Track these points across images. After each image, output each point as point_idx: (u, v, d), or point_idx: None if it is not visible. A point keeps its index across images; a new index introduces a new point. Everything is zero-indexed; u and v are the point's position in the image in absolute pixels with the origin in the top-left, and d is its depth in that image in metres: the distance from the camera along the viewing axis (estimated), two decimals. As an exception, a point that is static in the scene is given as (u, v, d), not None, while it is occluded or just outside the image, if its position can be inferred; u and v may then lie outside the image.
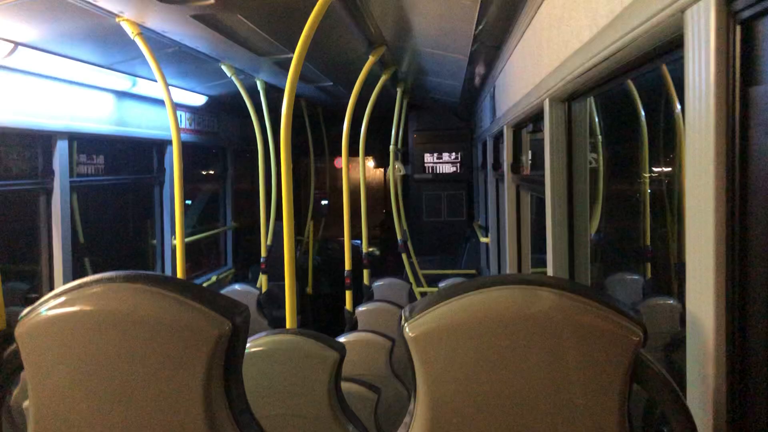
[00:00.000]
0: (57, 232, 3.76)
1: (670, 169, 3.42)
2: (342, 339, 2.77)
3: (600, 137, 3.15)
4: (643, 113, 3.19)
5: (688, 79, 1.01)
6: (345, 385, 1.85)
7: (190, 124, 5.73)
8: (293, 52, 2.56)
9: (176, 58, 3.82)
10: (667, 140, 3.27)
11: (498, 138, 4.45)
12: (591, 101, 2.33)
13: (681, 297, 2.73)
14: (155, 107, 4.82)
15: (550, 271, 2.28)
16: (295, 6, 2.87)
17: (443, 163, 7.94)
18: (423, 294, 4.99)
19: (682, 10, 1.02)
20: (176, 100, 4.72)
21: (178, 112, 4.82)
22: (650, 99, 3.15)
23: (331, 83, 5.46)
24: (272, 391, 1.59)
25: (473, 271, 6.58)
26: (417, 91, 6.42)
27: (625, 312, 0.94)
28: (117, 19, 2.97)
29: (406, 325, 0.97)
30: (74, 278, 1.08)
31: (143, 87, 4.41)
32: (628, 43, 1.27)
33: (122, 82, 4.19)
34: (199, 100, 5.50)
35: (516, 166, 3.63)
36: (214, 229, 6.69)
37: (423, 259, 6.47)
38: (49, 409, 1.03)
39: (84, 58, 3.65)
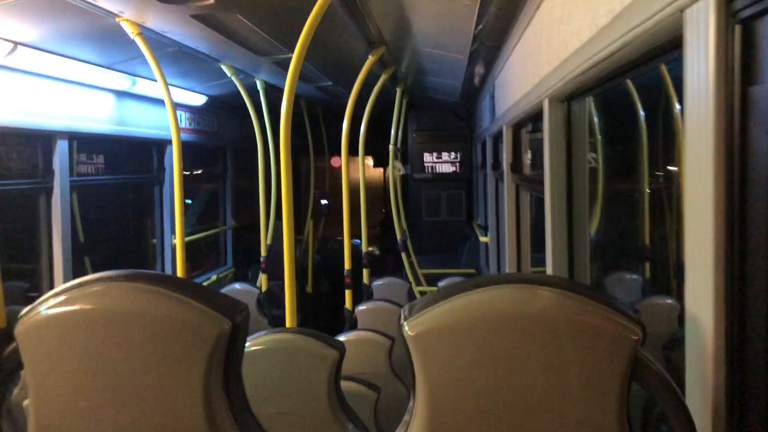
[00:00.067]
0: (57, 231, 3.76)
1: (669, 168, 3.42)
2: (342, 338, 2.77)
3: (599, 137, 3.16)
4: (642, 113, 3.20)
5: (687, 79, 1.01)
6: (345, 384, 1.85)
7: (190, 124, 5.73)
8: (293, 52, 2.56)
9: (176, 57, 3.82)
10: (666, 140, 3.27)
11: (497, 137, 4.45)
12: (590, 101, 2.34)
13: (680, 296, 2.74)
14: (155, 107, 4.82)
15: (549, 270, 2.28)
16: (294, 6, 2.87)
17: (443, 163, 7.94)
18: (422, 293, 4.99)
19: (682, 10, 1.02)
20: (176, 99, 4.71)
21: (178, 112, 4.82)
22: (649, 99, 3.15)
23: (331, 83, 5.46)
24: (272, 389, 1.60)
25: (472, 271, 6.59)
26: (416, 91, 6.42)
27: (625, 311, 0.94)
28: (117, 19, 2.97)
29: (405, 323, 0.97)
30: (74, 277, 1.08)
31: (143, 87, 4.41)
32: (627, 42, 1.27)
33: (122, 81, 4.19)
34: (198, 99, 5.50)
35: (515, 165, 3.64)
36: (214, 228, 6.69)
37: (422, 259, 6.47)
38: (49, 408, 1.03)
39: (84, 57, 3.65)
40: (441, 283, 4.49)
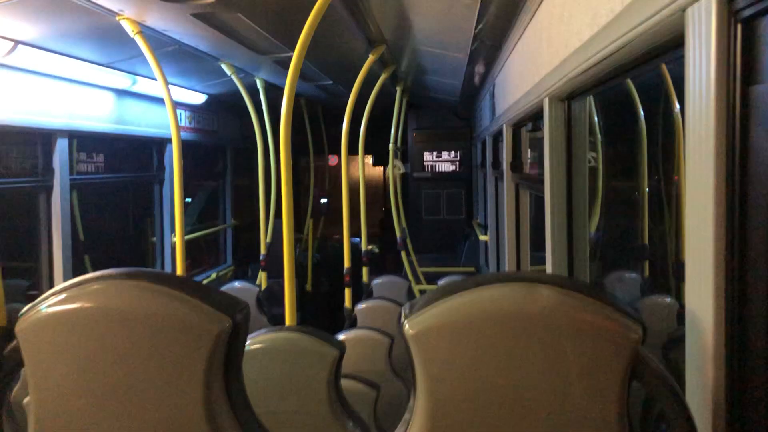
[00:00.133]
0: (57, 229, 3.76)
1: (669, 168, 3.42)
2: (341, 336, 2.77)
3: (599, 136, 3.16)
4: (642, 112, 3.20)
5: (688, 78, 1.01)
6: (344, 382, 1.85)
7: (190, 123, 5.73)
8: (293, 51, 2.56)
9: (176, 56, 3.82)
10: (666, 139, 3.27)
11: (497, 137, 4.45)
12: (590, 100, 2.34)
13: (679, 295, 2.74)
14: (155, 106, 4.82)
15: (549, 268, 2.29)
16: (295, 4, 2.87)
17: (442, 162, 7.94)
18: (422, 292, 5.00)
19: (683, 9, 1.02)
20: (176, 98, 4.71)
21: (178, 111, 4.82)
22: (650, 98, 3.15)
23: (331, 82, 5.46)
24: (272, 387, 1.60)
25: (472, 269, 6.59)
26: (416, 90, 6.42)
27: (625, 309, 0.94)
28: (117, 18, 2.96)
29: (405, 322, 0.97)
30: (74, 275, 1.08)
31: (143, 85, 4.40)
32: (628, 41, 1.27)
33: (122, 80, 4.19)
34: (198, 98, 5.50)
35: (515, 164, 3.64)
36: (214, 226, 6.69)
37: (422, 257, 6.47)
38: (50, 406, 1.03)
39: (84, 56, 3.65)
40: (441, 282, 4.50)
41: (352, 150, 4.73)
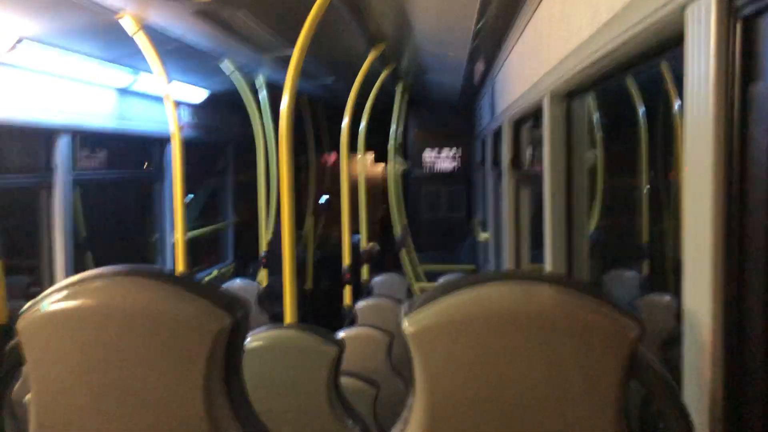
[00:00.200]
0: (58, 227, 3.77)
1: (668, 165, 3.42)
2: (341, 334, 2.77)
3: (599, 134, 3.15)
4: (642, 110, 3.20)
5: (688, 76, 1.01)
6: (344, 380, 1.85)
7: (191, 120, 5.73)
8: (294, 49, 2.56)
9: (177, 54, 3.82)
10: (666, 137, 3.27)
11: (498, 134, 4.45)
12: (591, 98, 2.34)
13: (678, 294, 2.74)
14: (156, 103, 4.81)
15: (548, 267, 2.29)
16: (296, 2, 2.87)
17: (443, 160, 7.94)
18: (422, 289, 5.00)
19: (683, 7, 1.02)
20: (177, 96, 4.71)
21: (179, 108, 4.82)
22: (650, 96, 3.15)
23: (332, 80, 5.45)
24: (272, 385, 1.60)
25: (472, 267, 6.59)
26: (417, 88, 6.42)
27: (623, 308, 0.94)
28: (118, 15, 2.96)
29: (405, 320, 0.98)
30: (76, 273, 1.08)
31: (144, 83, 4.40)
32: (628, 39, 1.27)
33: (124, 78, 4.19)
34: (200, 96, 5.49)
35: (515, 162, 3.63)
36: (215, 224, 6.70)
37: (422, 255, 6.47)
38: (50, 403, 1.03)
39: (86, 53, 3.65)
40: (440, 280, 4.50)
41: (353, 148, 4.73)
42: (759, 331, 0.90)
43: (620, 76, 1.70)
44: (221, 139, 6.59)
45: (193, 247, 6.09)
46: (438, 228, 7.91)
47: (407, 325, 0.97)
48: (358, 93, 4.16)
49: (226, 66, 4.36)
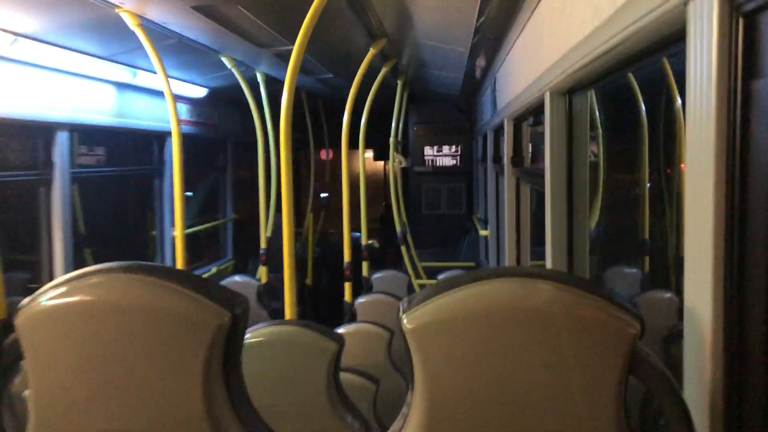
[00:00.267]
0: (57, 222, 3.76)
1: (670, 162, 3.42)
2: (341, 330, 2.77)
3: (601, 130, 3.15)
4: (643, 107, 3.19)
5: (689, 72, 1.01)
6: (344, 376, 1.85)
7: (191, 116, 5.72)
8: (293, 44, 2.55)
9: (176, 49, 3.81)
10: (667, 133, 3.27)
11: (498, 131, 4.44)
12: (592, 94, 2.33)
13: (679, 291, 2.74)
14: (155, 99, 4.81)
15: (548, 263, 2.28)
16: (295, -3, 2.87)
17: (443, 156, 7.93)
18: (422, 286, 5.00)
19: (685, 3, 1.01)
20: (176, 91, 4.70)
21: (179, 104, 4.81)
22: (651, 92, 3.15)
23: (332, 75, 5.44)
24: (271, 381, 1.60)
25: (472, 264, 6.59)
26: (417, 84, 6.41)
27: (623, 305, 0.94)
28: (117, 10, 2.95)
29: (404, 316, 0.97)
30: (75, 269, 1.08)
31: (143, 78, 4.40)
32: (629, 35, 1.27)
33: (123, 73, 4.18)
34: (199, 92, 5.48)
35: (516, 159, 3.63)
36: (214, 220, 6.69)
37: (422, 252, 6.47)
38: (49, 398, 1.03)
39: (84, 49, 3.64)
40: (440, 277, 4.50)
41: (353, 144, 4.73)
42: (760, 327, 0.90)
43: (622, 73, 1.69)
44: (221, 135, 6.58)
45: (192, 243, 6.10)
46: (438, 224, 7.91)
47: (406, 322, 0.97)
48: (358, 89, 4.15)
49: (226, 61, 4.35)
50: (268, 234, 5.38)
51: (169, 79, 3.50)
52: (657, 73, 2.82)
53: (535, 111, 2.89)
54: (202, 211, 6.82)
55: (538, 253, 3.44)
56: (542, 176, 2.33)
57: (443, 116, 7.94)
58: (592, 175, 2.28)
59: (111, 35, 3.37)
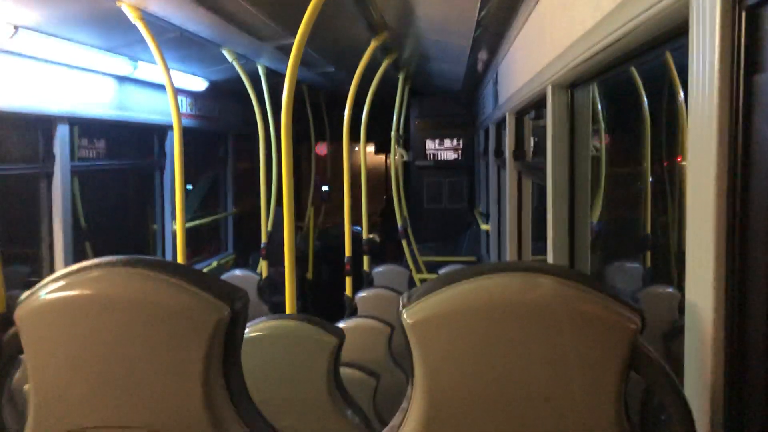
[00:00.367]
0: (58, 216, 3.77)
1: (672, 157, 3.41)
2: (341, 325, 2.78)
3: (602, 125, 3.14)
4: (646, 101, 3.18)
5: (692, 66, 1.00)
6: (344, 371, 1.86)
7: (191, 110, 5.71)
8: (294, 37, 2.54)
9: (177, 42, 3.80)
10: (669, 128, 3.26)
11: (500, 125, 4.43)
12: (594, 88, 2.32)
13: (681, 286, 2.74)
14: (156, 92, 4.80)
15: (550, 258, 2.28)
16: (296, -10, 2.85)
17: (445, 150, 7.91)
18: (423, 281, 5.00)
19: (688, -3, 1.01)
20: (177, 84, 4.69)
21: (179, 97, 4.80)
22: (654, 86, 3.13)
23: (333, 69, 5.43)
24: (271, 375, 1.60)
25: (473, 258, 6.59)
26: (419, 77, 6.39)
27: (624, 300, 0.94)
28: (118, 3, 2.94)
29: (404, 311, 0.97)
30: (75, 262, 1.08)
31: (144, 71, 4.39)
32: (632, 29, 1.26)
33: (123, 66, 4.17)
34: (200, 85, 5.47)
35: (518, 153, 3.62)
36: (215, 214, 6.69)
37: (423, 246, 6.47)
38: (49, 392, 1.04)
39: (85, 41, 3.63)
40: (441, 271, 4.50)
41: (354, 137, 4.72)
42: (761, 323, 0.90)
43: (624, 67, 1.68)
44: (221, 129, 6.58)
45: (193, 237, 6.10)
46: (440, 219, 7.90)
47: (406, 317, 0.96)
48: (359, 82, 4.13)
49: (227, 54, 4.34)
50: (269, 228, 5.38)
51: (169, 71, 3.49)
52: (660, 66, 2.80)
53: (537, 105, 2.88)
54: (203, 204, 6.82)
55: (540, 248, 3.44)
56: (544, 170, 2.33)
57: (445, 110, 7.92)
58: (593, 169, 2.27)
59: (112, 28, 3.36)
